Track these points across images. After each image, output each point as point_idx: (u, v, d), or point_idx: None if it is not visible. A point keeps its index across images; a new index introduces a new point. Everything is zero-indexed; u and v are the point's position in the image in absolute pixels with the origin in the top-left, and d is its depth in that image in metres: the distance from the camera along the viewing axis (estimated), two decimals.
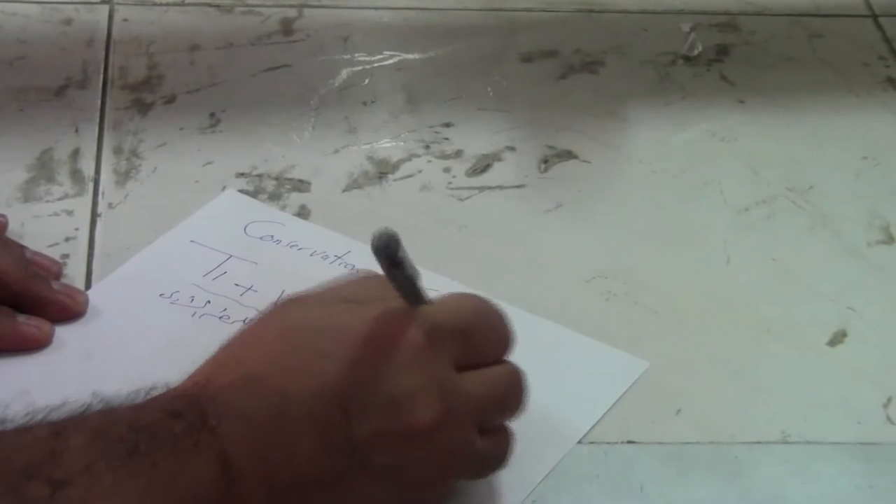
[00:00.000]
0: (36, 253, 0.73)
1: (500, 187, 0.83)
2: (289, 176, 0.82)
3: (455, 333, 0.59)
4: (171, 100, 0.87)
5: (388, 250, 0.55)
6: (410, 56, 0.94)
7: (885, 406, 0.70)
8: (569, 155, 0.86)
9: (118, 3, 0.95)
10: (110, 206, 0.79)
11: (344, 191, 0.82)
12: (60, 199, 0.79)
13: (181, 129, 0.85)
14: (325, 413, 0.55)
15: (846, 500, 0.65)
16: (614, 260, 0.78)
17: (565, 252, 0.79)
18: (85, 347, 0.69)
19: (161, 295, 0.72)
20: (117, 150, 0.83)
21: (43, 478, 0.49)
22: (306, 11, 0.96)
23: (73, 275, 0.73)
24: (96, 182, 0.80)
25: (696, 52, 0.96)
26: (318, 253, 0.76)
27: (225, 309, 0.72)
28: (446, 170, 0.84)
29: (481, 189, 0.83)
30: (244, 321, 0.70)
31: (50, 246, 0.75)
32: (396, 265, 0.55)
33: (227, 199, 0.80)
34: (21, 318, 0.69)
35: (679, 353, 0.72)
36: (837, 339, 0.74)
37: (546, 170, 0.85)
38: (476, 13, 0.98)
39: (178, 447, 0.52)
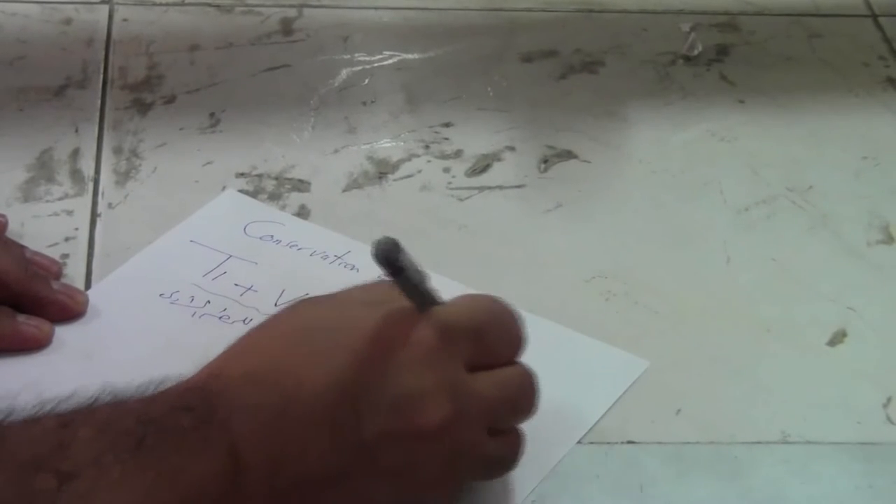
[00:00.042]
0: (36, 253, 0.73)
1: (500, 187, 0.83)
2: (289, 176, 0.82)
3: (468, 333, 0.59)
4: (170, 100, 0.87)
5: (388, 257, 0.55)
6: (410, 56, 0.94)
7: (885, 406, 0.70)
8: (569, 155, 0.86)
9: (118, 3, 0.95)
10: (110, 206, 0.79)
11: (344, 191, 0.82)
12: (60, 199, 0.79)
13: (181, 129, 0.85)
14: (334, 409, 0.55)
15: (846, 500, 0.65)
16: (614, 260, 0.78)
17: (565, 252, 0.79)
18: (85, 347, 0.69)
19: (161, 295, 0.72)
20: (117, 150, 0.83)
21: (51, 469, 0.49)
22: (306, 11, 0.96)
23: (73, 275, 0.73)
24: (96, 182, 0.80)
25: (696, 52, 0.96)
26: (318, 253, 0.76)
27: (225, 309, 0.72)
28: (446, 170, 0.84)
29: (481, 189, 0.83)
30: (244, 321, 0.71)
31: (50, 246, 0.75)
32: (399, 272, 0.55)
33: (226, 199, 0.80)
34: (21, 318, 0.69)
35: (679, 353, 0.72)
36: (837, 339, 0.74)
37: (546, 170, 0.85)
38: (476, 13, 0.98)
39: (185, 441, 0.52)
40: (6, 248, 0.71)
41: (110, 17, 0.94)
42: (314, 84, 0.90)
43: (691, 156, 0.87)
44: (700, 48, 0.96)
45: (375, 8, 0.98)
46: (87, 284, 0.73)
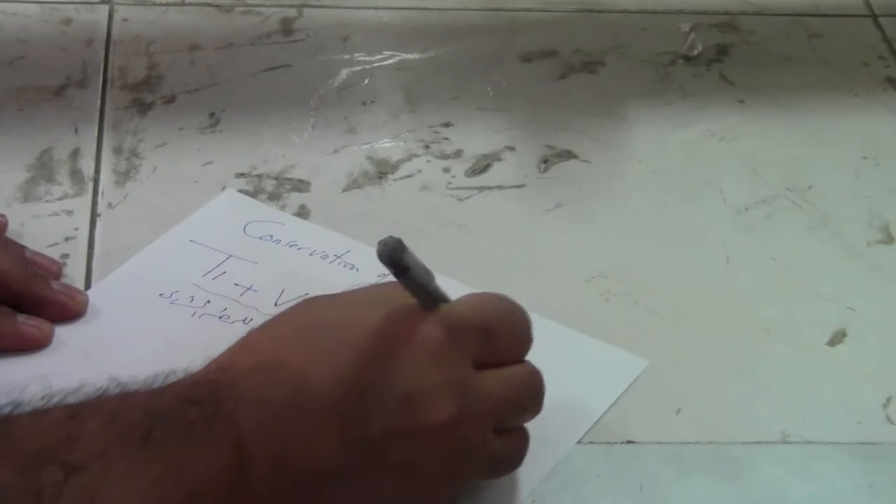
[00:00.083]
0: (36, 253, 0.73)
1: (500, 187, 0.83)
2: (288, 176, 0.82)
3: (476, 331, 0.59)
4: (170, 100, 0.87)
5: (392, 258, 0.55)
6: (410, 56, 0.94)
7: (885, 406, 0.70)
8: (569, 155, 0.86)
9: (118, 3, 0.95)
10: (110, 206, 0.79)
11: (344, 191, 0.82)
12: (60, 198, 0.79)
13: (181, 128, 0.85)
14: (342, 405, 0.55)
15: (846, 500, 0.65)
16: (614, 260, 0.78)
17: (565, 252, 0.79)
18: (85, 347, 0.69)
19: (161, 295, 0.72)
20: (117, 150, 0.83)
21: (58, 461, 0.49)
22: (306, 11, 0.96)
23: (73, 275, 0.73)
24: (96, 182, 0.80)
25: (695, 52, 0.96)
26: (318, 252, 0.76)
27: (225, 308, 0.72)
28: (446, 170, 0.84)
29: (481, 189, 0.83)
30: (244, 321, 0.71)
31: (50, 246, 0.75)
32: (403, 271, 0.56)
33: (226, 198, 0.80)
34: (21, 318, 0.69)
35: (679, 353, 0.72)
36: (837, 338, 0.74)
37: (546, 170, 0.85)
38: (476, 13, 0.98)
39: (192, 434, 0.52)
40: (6, 248, 0.71)
41: (110, 17, 0.94)
42: (314, 84, 0.90)
43: (691, 156, 0.87)
44: (700, 48, 0.96)
45: (375, 8, 0.98)
46: (87, 284, 0.73)
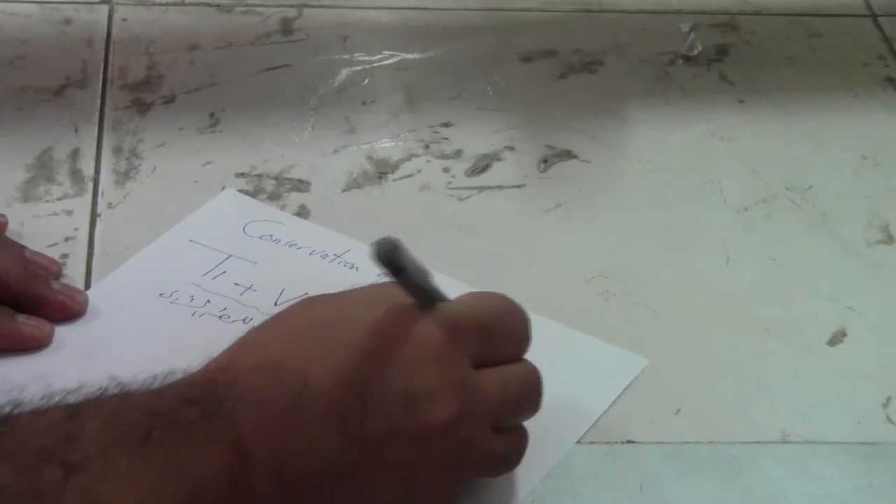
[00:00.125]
0: (36, 253, 0.73)
1: (500, 187, 0.83)
2: (288, 176, 0.82)
3: (475, 331, 0.59)
4: (170, 100, 0.87)
5: (388, 258, 0.55)
6: (410, 56, 0.94)
7: (885, 406, 0.70)
8: (568, 155, 0.86)
9: (118, 3, 0.95)
10: (110, 205, 0.79)
11: (343, 191, 0.82)
12: (60, 198, 0.79)
13: (181, 128, 0.85)
14: (341, 404, 0.55)
15: (846, 500, 0.65)
16: (614, 259, 0.78)
17: (565, 252, 0.79)
18: (85, 347, 0.69)
19: (161, 294, 0.72)
20: (117, 150, 0.83)
21: (58, 461, 0.49)
22: (306, 11, 0.96)
23: (73, 275, 0.73)
24: (96, 182, 0.80)
25: (695, 52, 0.96)
26: (318, 252, 0.76)
27: (224, 308, 0.72)
28: (446, 169, 0.84)
29: (481, 189, 0.83)
30: (244, 320, 0.71)
31: (49, 246, 0.75)
32: (400, 272, 0.55)
33: (226, 198, 0.80)
34: (21, 318, 0.69)
35: (678, 353, 0.72)
36: (837, 338, 0.74)
37: (546, 169, 0.85)
38: (475, 13, 0.98)
39: (192, 434, 0.52)
40: (6, 248, 0.71)
41: (110, 16, 0.94)
42: (314, 84, 0.90)
43: (691, 155, 0.87)
44: (700, 48, 0.96)
45: (375, 8, 0.98)
46: (87, 284, 0.73)
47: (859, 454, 0.67)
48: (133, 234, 0.76)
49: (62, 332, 0.69)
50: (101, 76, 0.88)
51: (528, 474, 0.64)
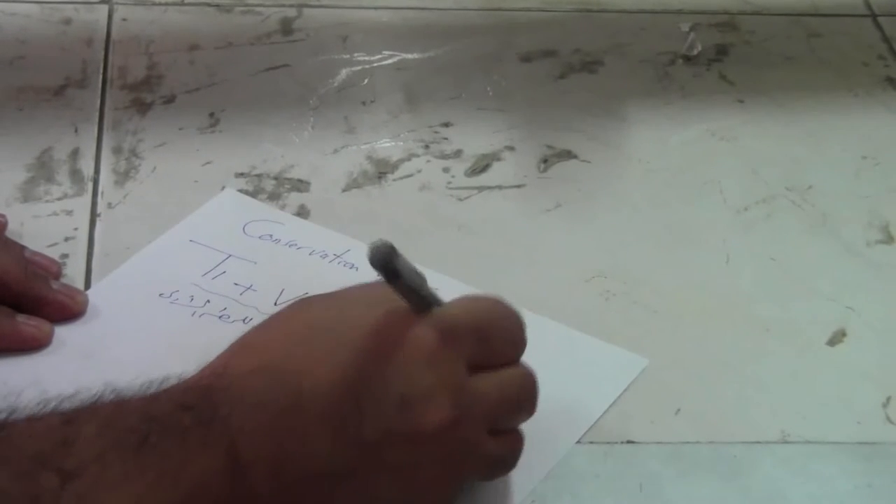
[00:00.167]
0: (35, 253, 0.73)
1: (500, 187, 0.83)
2: (288, 176, 0.82)
3: (470, 334, 0.59)
4: (170, 99, 0.87)
5: (383, 262, 0.54)
6: (410, 56, 0.94)
7: (885, 406, 0.70)
8: (568, 155, 0.86)
9: (117, 3, 0.95)
10: (110, 205, 0.79)
11: (343, 191, 0.82)
12: (60, 198, 0.79)
13: (180, 128, 0.85)
14: (338, 406, 0.55)
15: (846, 500, 0.65)
16: (614, 259, 0.78)
17: (565, 252, 0.79)
18: (85, 347, 0.69)
19: (161, 294, 0.72)
20: (117, 150, 0.83)
21: (54, 467, 0.49)
22: (305, 11, 0.96)
23: (73, 275, 0.73)
24: (96, 182, 0.80)
25: (695, 52, 0.96)
26: (317, 252, 0.76)
27: (224, 308, 0.72)
28: (445, 169, 0.84)
29: (480, 189, 0.83)
30: (244, 320, 0.71)
31: (49, 246, 0.75)
32: (395, 276, 0.55)
33: (226, 198, 0.80)
34: (21, 318, 0.69)
35: (678, 353, 0.72)
36: (837, 338, 0.74)
37: (545, 169, 0.85)
38: (475, 13, 0.98)
39: (187, 440, 0.52)
40: (6, 248, 0.71)
41: (110, 16, 0.94)
42: (313, 84, 0.90)
43: (691, 155, 0.87)
44: (699, 48, 0.96)
45: (375, 8, 0.98)
46: (87, 284, 0.73)
47: (859, 454, 0.67)
48: (133, 234, 0.76)
49: (62, 332, 0.69)
50: (100, 76, 0.89)
51: (527, 474, 0.64)
